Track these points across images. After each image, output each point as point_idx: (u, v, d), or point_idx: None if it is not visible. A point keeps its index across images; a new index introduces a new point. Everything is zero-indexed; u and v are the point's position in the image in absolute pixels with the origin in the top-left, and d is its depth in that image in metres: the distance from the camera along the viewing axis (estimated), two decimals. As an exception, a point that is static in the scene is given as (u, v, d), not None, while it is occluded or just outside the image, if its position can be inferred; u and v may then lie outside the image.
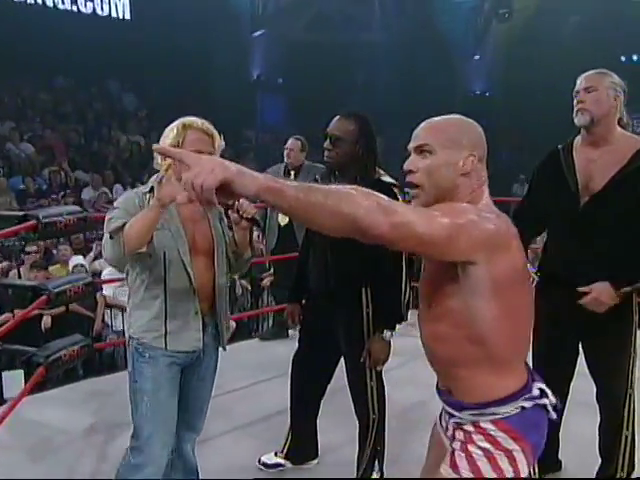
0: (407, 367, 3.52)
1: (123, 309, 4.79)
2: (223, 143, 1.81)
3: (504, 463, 1.19)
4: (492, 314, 1.16)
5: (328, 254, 2.09)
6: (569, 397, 2.16)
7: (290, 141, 4.01)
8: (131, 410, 1.84)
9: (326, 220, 1.01)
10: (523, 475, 1.20)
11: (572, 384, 2.19)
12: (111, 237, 1.72)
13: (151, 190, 1.80)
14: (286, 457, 2.42)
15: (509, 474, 1.19)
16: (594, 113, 1.97)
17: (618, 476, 2.10)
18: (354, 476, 2.25)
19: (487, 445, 1.20)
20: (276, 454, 2.43)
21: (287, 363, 2.40)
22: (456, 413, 1.26)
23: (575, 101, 2.04)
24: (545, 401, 1.23)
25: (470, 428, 1.23)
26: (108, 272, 4.58)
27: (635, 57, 12.40)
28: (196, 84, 11.93)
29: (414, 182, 1.24)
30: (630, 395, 2.06)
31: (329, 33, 12.89)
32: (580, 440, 2.33)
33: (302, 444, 2.41)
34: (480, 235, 1.11)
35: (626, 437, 2.07)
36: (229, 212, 1.79)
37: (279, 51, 13.32)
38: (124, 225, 1.70)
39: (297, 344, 2.36)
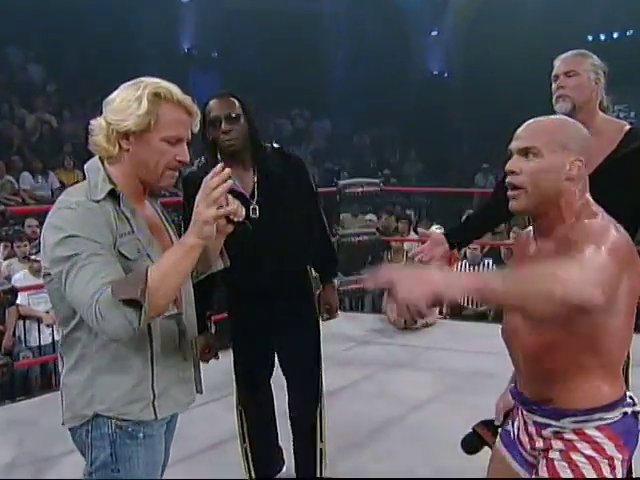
0: (375, 380, 3.63)
1: (39, 320, 4.55)
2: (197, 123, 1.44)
3: (607, 472, 1.30)
4: (618, 325, 1.29)
5: (280, 250, 2.15)
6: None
7: None
8: None
9: (539, 306, 1.11)
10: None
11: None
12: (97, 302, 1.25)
13: (113, 195, 1.36)
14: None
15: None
16: (576, 99, 2.00)
17: None
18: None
19: (593, 453, 1.30)
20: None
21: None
22: (554, 422, 1.35)
23: (554, 86, 2.06)
24: (638, 408, 1.36)
25: (572, 436, 1.33)
26: (20, 277, 4.35)
27: (603, 36, 12.88)
28: (116, 56, 11.47)
29: (516, 184, 1.33)
30: None
31: (271, 1, 12.68)
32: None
33: (267, 459, 2.43)
34: (621, 265, 1.21)
35: None
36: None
37: (213, 21, 13.01)
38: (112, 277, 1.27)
39: (235, 359, 2.37)
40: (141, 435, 1.41)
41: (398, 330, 4.70)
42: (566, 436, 1.34)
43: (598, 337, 1.29)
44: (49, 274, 1.35)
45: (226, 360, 2.37)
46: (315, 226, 2.32)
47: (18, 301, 4.29)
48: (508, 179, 1.35)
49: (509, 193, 1.36)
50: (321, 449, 2.33)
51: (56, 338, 4.80)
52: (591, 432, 1.32)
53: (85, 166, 1.42)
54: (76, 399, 1.40)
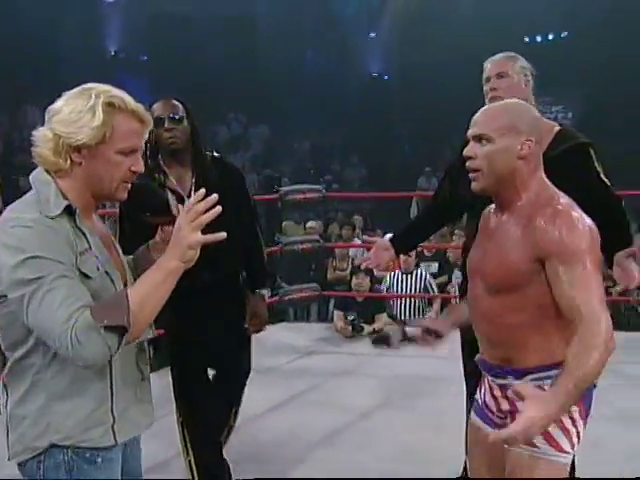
0: (321, 389, 3.69)
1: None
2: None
3: (569, 424, 1.48)
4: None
5: (212, 255, 2.14)
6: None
7: None
8: None
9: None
10: (582, 434, 1.51)
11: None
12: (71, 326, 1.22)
13: (68, 211, 1.32)
14: None
15: (573, 434, 1.49)
16: None
17: None
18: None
19: None
20: None
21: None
22: (515, 382, 1.50)
23: (486, 88, 2.16)
24: None
25: None
26: None
27: (539, 38, 13.50)
28: (37, 61, 11.18)
29: (473, 167, 1.53)
30: None
31: (203, 4, 12.64)
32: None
33: (212, 470, 2.47)
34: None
35: None
36: (164, 228, 1.55)
37: (141, 22, 12.85)
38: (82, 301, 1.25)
39: (176, 368, 2.39)
40: (99, 460, 1.38)
41: (345, 338, 4.79)
42: None
43: (546, 308, 1.47)
44: (3, 296, 1.30)
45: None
46: (248, 236, 2.44)
47: None
48: (467, 164, 1.55)
49: (470, 175, 1.55)
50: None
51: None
52: None
53: (31, 178, 1.36)
54: (27, 431, 1.35)
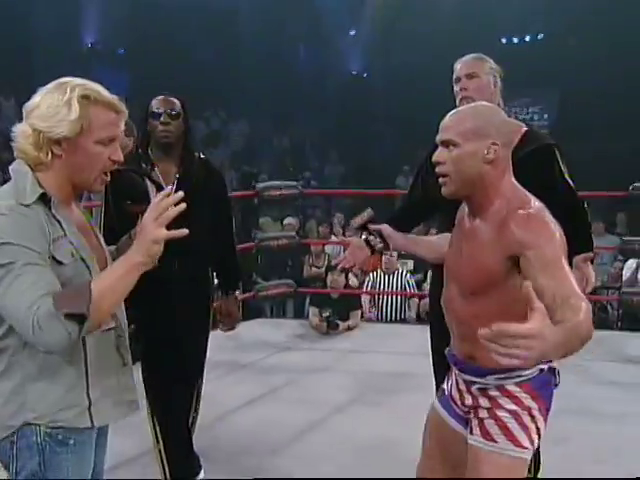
0: (296, 385, 3.73)
1: None
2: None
3: (527, 421, 1.56)
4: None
5: (185, 250, 2.17)
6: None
7: None
8: None
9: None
10: (542, 430, 1.58)
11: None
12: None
13: (43, 199, 1.37)
14: None
15: (532, 431, 1.56)
16: (478, 101, 2.10)
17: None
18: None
19: (514, 407, 1.56)
20: None
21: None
22: (479, 379, 1.59)
23: (457, 88, 2.22)
24: (554, 364, 1.60)
25: (495, 392, 1.58)
26: None
27: (515, 39, 13.65)
28: (10, 51, 10.99)
29: (442, 172, 1.55)
30: None
31: (181, -4, 12.56)
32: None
33: (182, 460, 2.52)
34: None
35: None
36: (143, 215, 1.55)
37: (119, 14, 12.70)
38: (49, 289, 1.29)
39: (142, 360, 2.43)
40: (72, 442, 1.42)
41: (320, 335, 4.84)
42: (490, 392, 1.59)
43: (515, 305, 1.48)
44: None
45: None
46: (224, 240, 2.59)
47: None
48: (436, 169, 1.58)
49: (439, 180, 1.58)
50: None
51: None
52: (511, 388, 1.57)
53: (10, 168, 1.42)
54: (2, 409, 1.39)
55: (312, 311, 5.02)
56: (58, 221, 1.39)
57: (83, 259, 1.42)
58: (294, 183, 5.16)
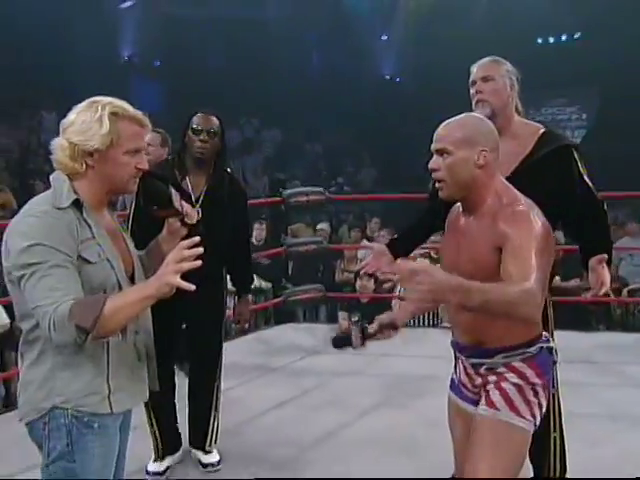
0: (325, 388, 3.84)
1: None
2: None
3: (530, 395, 1.69)
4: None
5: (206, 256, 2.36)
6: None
7: (149, 135, 3.99)
8: None
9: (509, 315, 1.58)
10: (544, 406, 1.71)
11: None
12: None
13: (77, 205, 1.56)
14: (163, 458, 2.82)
15: (534, 405, 1.69)
16: (494, 104, 2.18)
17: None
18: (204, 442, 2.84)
19: (518, 381, 1.69)
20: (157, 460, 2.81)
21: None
22: (487, 360, 1.74)
23: (472, 91, 2.24)
24: (552, 344, 1.78)
25: (502, 369, 1.71)
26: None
27: (551, 39, 13.46)
28: (51, 66, 11.37)
29: (438, 178, 1.72)
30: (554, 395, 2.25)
31: (213, 7, 12.79)
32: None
33: (172, 437, 2.85)
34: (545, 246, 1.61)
35: (554, 438, 2.28)
36: (169, 220, 1.77)
37: (155, 27, 13.01)
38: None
39: None
40: (96, 425, 1.59)
41: (351, 339, 4.86)
42: (497, 370, 1.74)
43: None
44: (12, 276, 1.52)
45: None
46: (242, 251, 2.86)
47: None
48: (433, 175, 1.74)
49: (436, 185, 1.75)
50: (215, 415, 2.84)
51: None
52: (517, 364, 1.71)
53: (51, 177, 1.61)
54: (35, 393, 1.57)
55: (341, 315, 5.07)
56: (88, 225, 1.57)
57: (109, 260, 1.59)
58: (321, 189, 5.20)
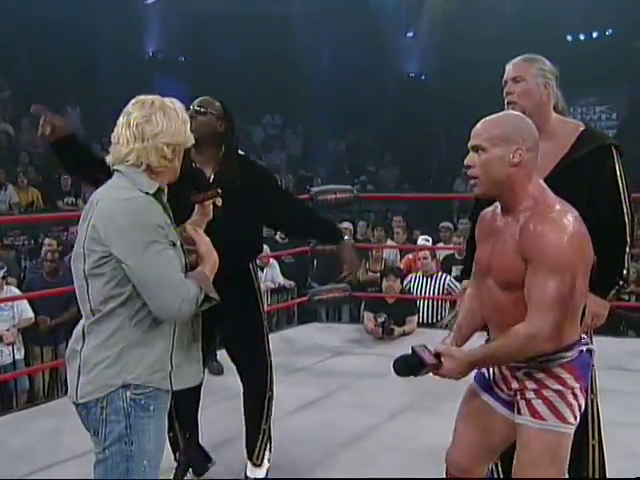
0: (351, 389, 3.83)
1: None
2: None
3: (571, 398, 1.71)
4: (577, 286, 1.65)
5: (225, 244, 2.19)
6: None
7: None
8: None
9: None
10: (582, 407, 1.73)
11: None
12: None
13: (157, 191, 1.69)
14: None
15: (575, 408, 1.71)
16: (525, 106, 2.07)
17: None
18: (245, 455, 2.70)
19: (559, 387, 1.70)
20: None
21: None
22: (524, 364, 1.72)
23: (504, 92, 2.15)
24: (592, 346, 1.77)
25: (541, 375, 1.71)
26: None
27: (582, 36, 13.24)
28: (76, 61, 11.50)
29: (472, 175, 1.72)
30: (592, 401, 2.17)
31: (238, 3, 12.81)
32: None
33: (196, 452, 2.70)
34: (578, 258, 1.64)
35: (593, 446, 2.20)
36: (204, 204, 1.85)
37: (180, 23, 13.08)
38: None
39: None
40: (152, 408, 1.64)
41: (375, 340, 4.83)
42: (536, 375, 1.72)
43: None
44: (108, 255, 1.58)
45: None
46: (296, 211, 2.66)
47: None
48: (468, 172, 1.73)
49: (470, 182, 1.75)
50: (264, 429, 2.67)
51: (17, 357, 4.84)
52: (555, 369, 1.70)
53: (117, 167, 1.68)
54: (104, 372, 1.63)
55: (367, 316, 5.02)
56: (167, 211, 1.69)
57: (181, 245, 1.71)
58: (349, 187, 5.15)
